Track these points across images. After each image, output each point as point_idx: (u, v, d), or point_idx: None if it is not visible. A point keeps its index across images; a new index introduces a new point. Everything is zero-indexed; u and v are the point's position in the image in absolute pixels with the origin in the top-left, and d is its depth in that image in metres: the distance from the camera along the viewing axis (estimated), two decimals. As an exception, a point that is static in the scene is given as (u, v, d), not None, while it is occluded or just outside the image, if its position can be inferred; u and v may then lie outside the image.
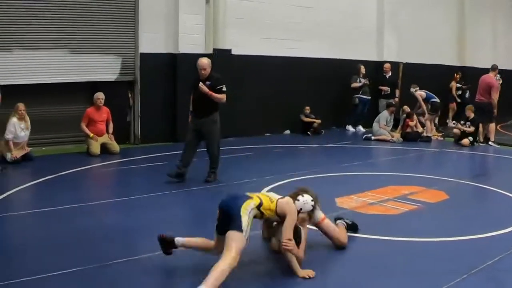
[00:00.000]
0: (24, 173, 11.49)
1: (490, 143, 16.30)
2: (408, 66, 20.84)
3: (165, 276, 6.24)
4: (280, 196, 6.32)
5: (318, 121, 18.01)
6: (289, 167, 12.24)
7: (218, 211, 6.01)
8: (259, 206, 6.02)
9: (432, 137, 17.60)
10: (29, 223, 8.10)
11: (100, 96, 13.56)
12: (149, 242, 6.76)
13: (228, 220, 5.79)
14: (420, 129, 17.69)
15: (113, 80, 14.77)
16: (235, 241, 5.56)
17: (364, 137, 17.52)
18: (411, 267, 6.43)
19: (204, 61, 10.52)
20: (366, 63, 20.02)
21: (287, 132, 18.13)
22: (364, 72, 19.25)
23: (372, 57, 20.80)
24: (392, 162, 14.58)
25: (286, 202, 6.20)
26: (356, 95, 19.29)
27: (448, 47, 23.66)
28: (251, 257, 6.33)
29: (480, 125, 16.68)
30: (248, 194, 6.17)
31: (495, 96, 16.53)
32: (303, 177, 11.10)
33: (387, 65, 20.12)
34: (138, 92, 15.20)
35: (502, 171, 13.88)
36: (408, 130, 17.47)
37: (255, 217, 6.02)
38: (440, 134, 18.42)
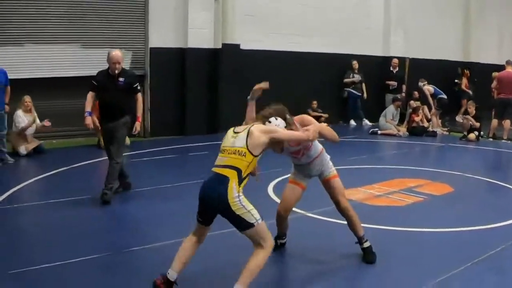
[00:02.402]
0: (37, 166, 11.74)
1: (503, 141, 16.29)
2: (415, 62, 20.96)
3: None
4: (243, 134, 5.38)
5: (325, 115, 18.17)
6: (297, 160, 12.35)
7: (199, 200, 5.35)
8: (240, 181, 5.15)
9: (438, 132, 17.73)
10: (44, 213, 8.32)
11: None
12: (159, 232, 7.14)
13: (222, 214, 5.22)
14: (426, 124, 17.81)
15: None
16: (257, 235, 5.13)
17: (370, 131, 17.70)
18: (414, 256, 6.64)
19: (118, 54, 8.81)
20: (373, 58, 20.22)
21: (295, 126, 18.20)
22: (357, 68, 19.37)
23: (379, 52, 20.92)
24: (398, 156, 14.77)
25: (258, 143, 5.29)
26: (347, 89, 19.47)
27: (453, 42, 23.73)
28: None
29: (494, 120, 16.74)
30: (218, 169, 5.26)
31: None
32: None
33: (395, 61, 20.25)
34: (148, 86, 15.38)
35: (507, 165, 14.07)
36: (414, 125, 17.60)
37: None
38: (446, 129, 18.54)
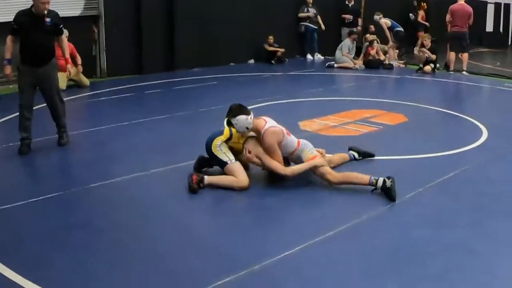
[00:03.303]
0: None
1: (463, 72, 16.33)
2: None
3: (142, 196, 6.55)
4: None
5: (282, 50, 18.10)
6: (254, 94, 12.37)
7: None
8: (227, 141, 6.87)
9: (394, 65, 17.83)
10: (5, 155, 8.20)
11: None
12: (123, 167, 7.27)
13: (212, 158, 6.93)
14: (382, 57, 17.89)
15: (77, 15, 14.66)
16: (231, 172, 6.73)
17: (327, 64, 17.65)
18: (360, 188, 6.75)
19: None
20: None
21: (251, 61, 18.20)
22: (311, 2, 19.23)
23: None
24: (354, 88, 14.85)
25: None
26: (302, 23, 19.37)
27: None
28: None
29: (451, 53, 16.82)
30: (225, 128, 6.95)
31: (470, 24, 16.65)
32: (267, 103, 11.34)
33: (350, -6, 20.19)
34: (102, 26, 15.15)
35: (461, 96, 14.34)
36: (370, 58, 17.67)
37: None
38: (402, 61, 18.65)
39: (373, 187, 6.49)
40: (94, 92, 12.93)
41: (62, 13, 13.88)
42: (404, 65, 18.21)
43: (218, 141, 6.83)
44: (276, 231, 5.68)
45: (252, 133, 6.87)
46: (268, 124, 6.74)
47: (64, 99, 8.70)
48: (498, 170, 7.59)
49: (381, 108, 11.23)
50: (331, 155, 7.43)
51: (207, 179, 6.63)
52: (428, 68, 16.53)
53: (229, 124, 6.81)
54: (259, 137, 6.77)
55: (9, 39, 8.03)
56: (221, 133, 6.94)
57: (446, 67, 16.95)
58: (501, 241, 5.37)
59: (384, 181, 6.39)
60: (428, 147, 8.39)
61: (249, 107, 6.92)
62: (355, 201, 6.43)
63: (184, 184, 6.65)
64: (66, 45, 8.63)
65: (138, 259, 4.94)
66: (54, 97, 8.33)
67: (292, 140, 6.91)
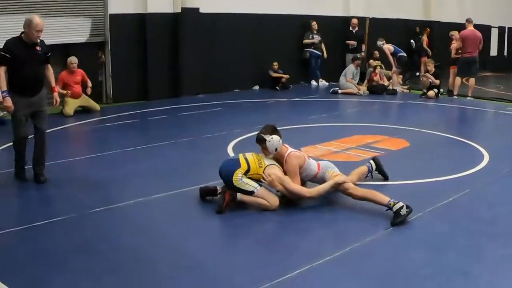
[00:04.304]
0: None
1: (468, 98, 16.47)
2: (375, 22, 21.05)
3: (144, 221, 6.63)
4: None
5: (286, 76, 18.23)
6: (258, 120, 12.30)
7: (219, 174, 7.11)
8: (246, 173, 6.91)
9: (398, 90, 17.92)
10: (5, 181, 8.21)
11: (73, 60, 13.53)
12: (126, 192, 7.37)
13: (232, 188, 6.89)
14: (386, 82, 17.99)
15: (83, 41, 14.84)
16: (261, 197, 6.86)
17: (331, 90, 17.77)
18: (369, 207, 6.81)
19: (42, 21, 7.72)
20: (333, 18, 20.29)
21: (256, 87, 18.34)
22: (316, 28, 19.43)
23: (339, 13, 20.96)
24: (357, 114, 14.93)
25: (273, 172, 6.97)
26: (307, 49, 19.52)
27: (413, 1, 23.88)
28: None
29: (457, 78, 16.90)
30: (239, 157, 7.06)
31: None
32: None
33: (354, 20, 20.32)
34: (108, 52, 15.31)
35: (463, 121, 14.38)
36: (374, 83, 17.77)
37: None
38: (406, 87, 18.75)
39: (389, 208, 6.55)
40: (100, 118, 13.04)
41: (69, 39, 14.30)
42: (408, 90, 18.34)
43: (239, 174, 6.88)
44: (275, 255, 5.72)
45: (270, 162, 7.06)
46: (290, 149, 7.14)
47: (71, 124, 8.72)
48: (497, 194, 7.64)
49: (383, 134, 11.30)
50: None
51: (240, 196, 6.85)
52: (431, 93, 16.63)
53: (260, 141, 7.10)
54: (281, 161, 7.07)
55: (1, 69, 7.65)
56: (236, 163, 7.00)
57: (449, 92, 17.05)
58: (497, 265, 5.41)
59: (402, 207, 6.44)
60: (429, 172, 8.46)
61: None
62: (355, 224, 6.52)
63: (185, 208, 6.78)
64: (52, 73, 8.33)
65: (137, 283, 5.00)
66: (45, 128, 8.16)
67: (313, 163, 7.25)
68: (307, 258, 5.43)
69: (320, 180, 7.19)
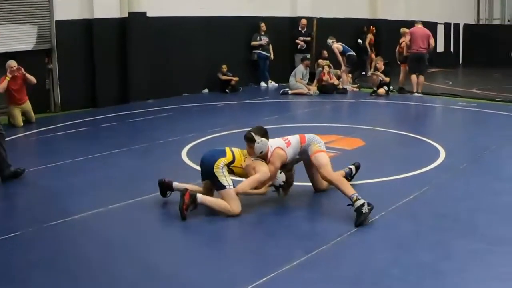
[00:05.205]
0: None
1: (418, 94, 16.71)
2: (322, 21, 21.06)
3: (103, 232, 6.44)
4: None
5: (236, 78, 18.11)
6: (209, 124, 12.32)
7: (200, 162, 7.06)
8: (229, 164, 6.90)
9: (348, 89, 17.96)
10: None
11: (12, 64, 12.89)
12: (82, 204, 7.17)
13: (209, 176, 6.89)
14: (336, 82, 18.00)
15: (30, 49, 14.51)
16: (226, 198, 6.73)
17: (281, 91, 17.70)
18: (331, 208, 6.77)
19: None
20: (281, 19, 20.27)
21: (206, 91, 18.19)
22: (265, 30, 19.37)
23: (287, 13, 20.94)
24: (309, 114, 14.89)
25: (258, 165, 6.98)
26: (255, 51, 19.44)
27: (360, 0, 24.03)
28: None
29: (414, 76, 16.98)
30: (226, 149, 7.03)
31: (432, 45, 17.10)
32: (223, 133, 11.32)
33: (303, 21, 20.21)
34: (55, 60, 15.00)
35: (416, 117, 14.49)
36: (324, 83, 17.76)
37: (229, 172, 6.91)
38: (356, 85, 18.83)
39: (350, 203, 6.47)
40: (48, 127, 12.65)
41: (15, 47, 13.96)
42: (358, 89, 18.43)
43: (221, 162, 6.83)
44: (244, 261, 5.63)
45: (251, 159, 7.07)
46: (274, 145, 7.14)
47: (19, 135, 8.56)
48: (457, 189, 7.71)
49: (337, 133, 11.27)
50: None
51: (200, 197, 6.69)
52: (382, 91, 16.72)
53: (249, 139, 7.02)
54: (265, 161, 7.05)
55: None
56: (221, 152, 7.00)
57: (400, 89, 17.18)
58: (465, 260, 5.42)
59: (363, 205, 6.35)
60: (388, 170, 8.46)
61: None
62: (319, 226, 6.52)
63: (145, 217, 6.63)
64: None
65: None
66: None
67: (294, 146, 7.25)
68: (275, 264, 5.32)
69: (303, 153, 7.20)
